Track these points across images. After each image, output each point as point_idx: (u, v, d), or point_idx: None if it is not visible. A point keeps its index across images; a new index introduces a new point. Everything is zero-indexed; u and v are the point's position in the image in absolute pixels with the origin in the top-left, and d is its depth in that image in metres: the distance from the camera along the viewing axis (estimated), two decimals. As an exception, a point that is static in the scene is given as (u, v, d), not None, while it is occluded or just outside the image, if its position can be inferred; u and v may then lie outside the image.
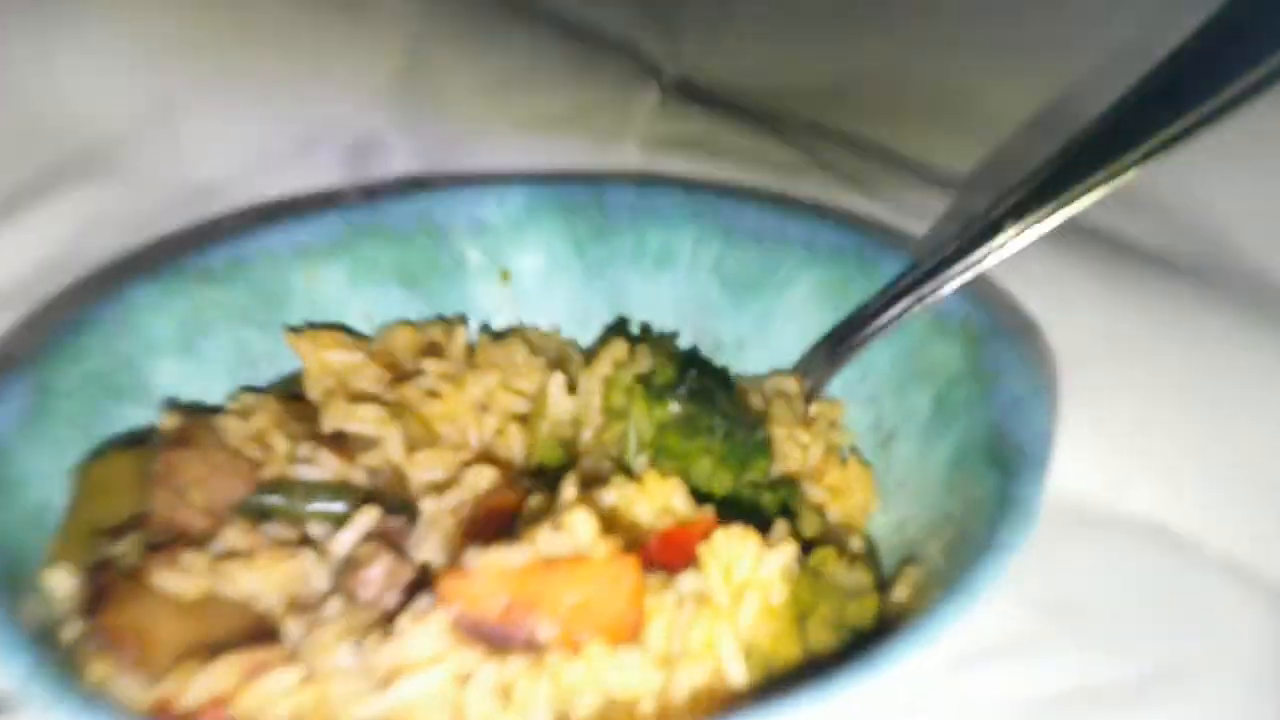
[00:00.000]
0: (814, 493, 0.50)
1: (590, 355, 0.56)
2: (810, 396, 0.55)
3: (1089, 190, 0.51)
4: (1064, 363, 0.61)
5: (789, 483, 0.49)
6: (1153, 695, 0.49)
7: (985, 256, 0.52)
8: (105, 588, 0.40)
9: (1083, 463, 0.56)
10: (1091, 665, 0.50)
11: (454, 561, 0.40)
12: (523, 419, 0.53)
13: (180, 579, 0.42)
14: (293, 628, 0.41)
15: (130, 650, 0.38)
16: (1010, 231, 0.52)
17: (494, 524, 0.42)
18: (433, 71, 0.79)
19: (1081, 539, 0.55)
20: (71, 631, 0.39)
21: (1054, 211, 0.51)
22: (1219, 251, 0.71)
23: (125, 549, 0.43)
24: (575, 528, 0.38)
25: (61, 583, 0.42)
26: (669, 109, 0.79)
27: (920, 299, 0.53)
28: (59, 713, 0.33)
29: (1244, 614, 0.53)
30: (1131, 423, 0.60)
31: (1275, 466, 0.59)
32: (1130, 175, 0.51)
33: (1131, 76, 0.52)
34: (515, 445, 0.53)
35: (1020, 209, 0.52)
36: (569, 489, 0.41)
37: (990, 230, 0.52)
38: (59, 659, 0.36)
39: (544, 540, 0.38)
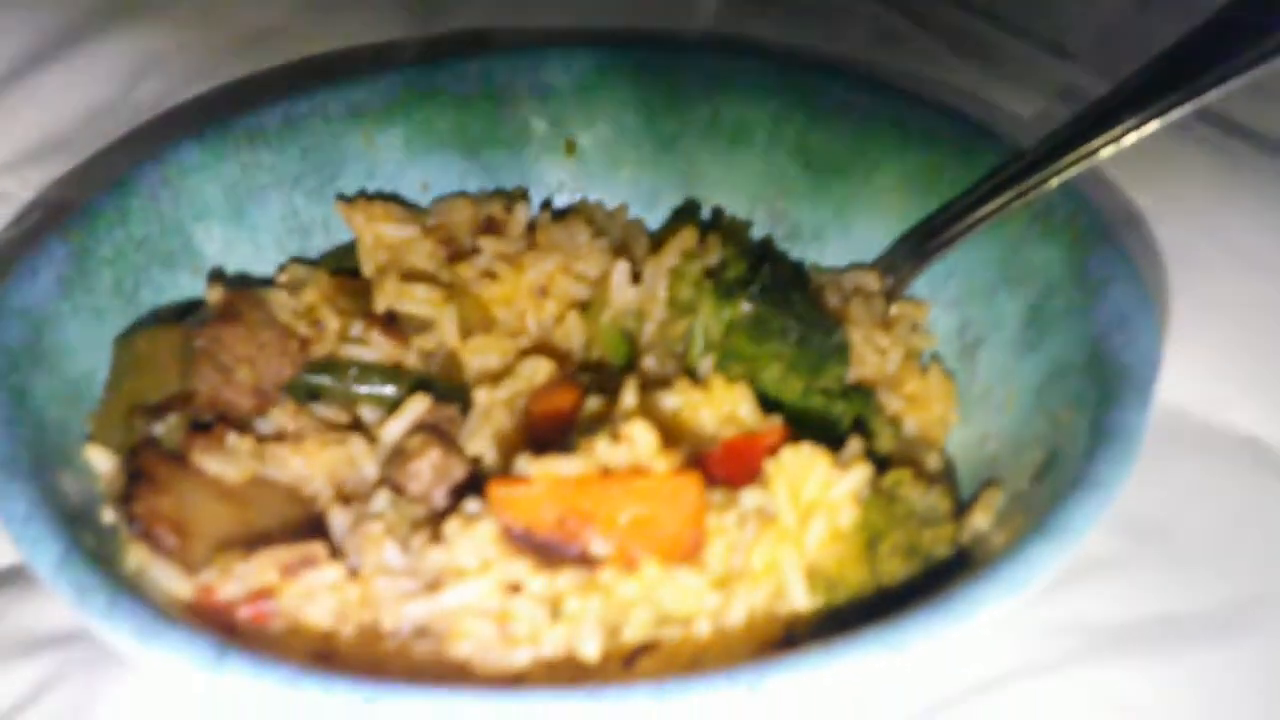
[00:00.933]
0: (891, 402, 0.47)
1: (657, 240, 0.52)
2: (892, 295, 0.52)
3: (1222, 80, 0.46)
4: (1170, 263, 0.57)
5: (864, 391, 0.46)
6: (1240, 624, 0.46)
7: (1100, 148, 0.47)
8: (144, 470, 0.38)
9: (1182, 373, 0.53)
10: (1179, 592, 0.47)
11: (506, 464, 0.38)
12: (583, 307, 0.51)
13: (224, 462, 0.40)
14: (338, 519, 0.39)
15: (168, 538, 0.37)
16: (1129, 121, 0.47)
17: (549, 426, 0.39)
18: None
19: (1176, 456, 0.52)
20: (109, 515, 0.38)
21: (1181, 102, 0.46)
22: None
23: (167, 428, 0.41)
24: (635, 438, 0.36)
25: (101, 462, 0.40)
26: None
27: (1021, 193, 0.48)
28: (88, 607, 0.31)
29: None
30: (1237, 334, 0.56)
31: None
32: (1265, 68, 0.45)
33: None
34: (574, 335, 0.50)
35: (1142, 95, 0.47)
36: (629, 395, 0.38)
37: (1107, 118, 0.47)
38: (94, 545, 0.35)
39: (601, 450, 0.36)
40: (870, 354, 0.48)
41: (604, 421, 0.37)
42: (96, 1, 0.72)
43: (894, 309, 0.51)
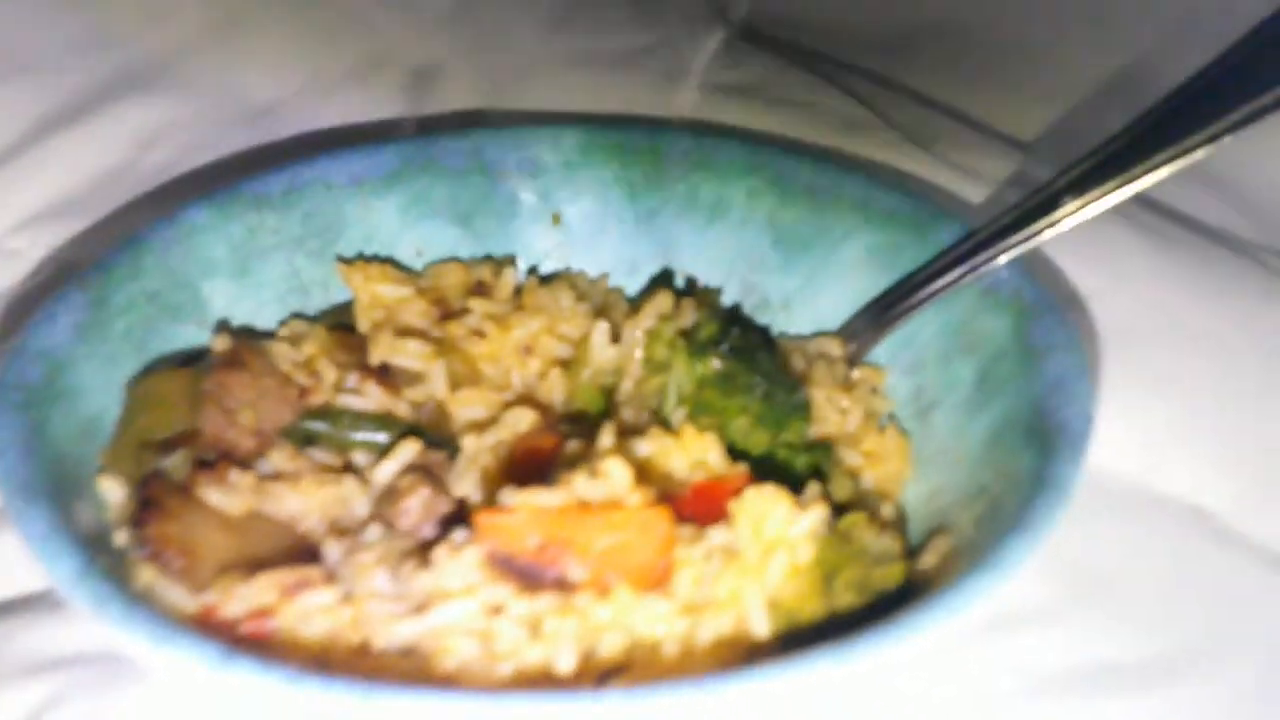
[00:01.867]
0: (849, 457, 0.50)
1: (635, 305, 0.56)
2: (853, 361, 0.55)
3: (1155, 168, 0.51)
4: (1111, 337, 0.61)
5: (825, 446, 0.49)
6: (1177, 675, 0.49)
7: (1043, 229, 0.52)
8: (154, 499, 0.41)
9: (1123, 441, 0.56)
10: (1116, 641, 0.50)
11: (491, 499, 0.41)
12: (565, 364, 0.54)
13: (226, 495, 0.43)
14: (332, 550, 0.42)
15: (175, 560, 0.39)
16: (1071, 205, 0.51)
17: (531, 466, 0.42)
18: (495, 2, 0.79)
19: (1115, 516, 0.55)
20: (120, 539, 0.41)
21: (1117, 188, 0.51)
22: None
23: (174, 463, 0.44)
24: (611, 474, 0.39)
25: (112, 491, 0.43)
26: (731, 53, 0.78)
27: (973, 269, 0.52)
28: (105, 615, 0.34)
29: (1275, 601, 0.53)
30: (1176, 404, 0.60)
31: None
32: (1199, 155, 0.50)
33: (1206, 50, 0.51)
34: (556, 390, 0.53)
35: (1083, 182, 0.52)
36: (606, 436, 0.42)
37: (1050, 203, 0.52)
38: (108, 564, 0.37)
39: (580, 485, 0.39)
40: (831, 413, 0.51)
41: (582, 460, 0.41)
42: (108, 73, 0.76)
43: (855, 373, 0.55)
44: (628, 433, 0.44)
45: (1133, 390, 0.59)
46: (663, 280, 0.59)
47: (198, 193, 0.56)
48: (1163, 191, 0.70)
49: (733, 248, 0.61)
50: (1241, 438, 0.59)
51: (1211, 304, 0.63)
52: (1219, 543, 0.55)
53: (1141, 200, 0.69)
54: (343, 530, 0.45)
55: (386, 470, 0.46)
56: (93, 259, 0.51)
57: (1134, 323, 0.62)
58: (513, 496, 0.39)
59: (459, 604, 0.38)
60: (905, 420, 0.53)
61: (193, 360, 0.51)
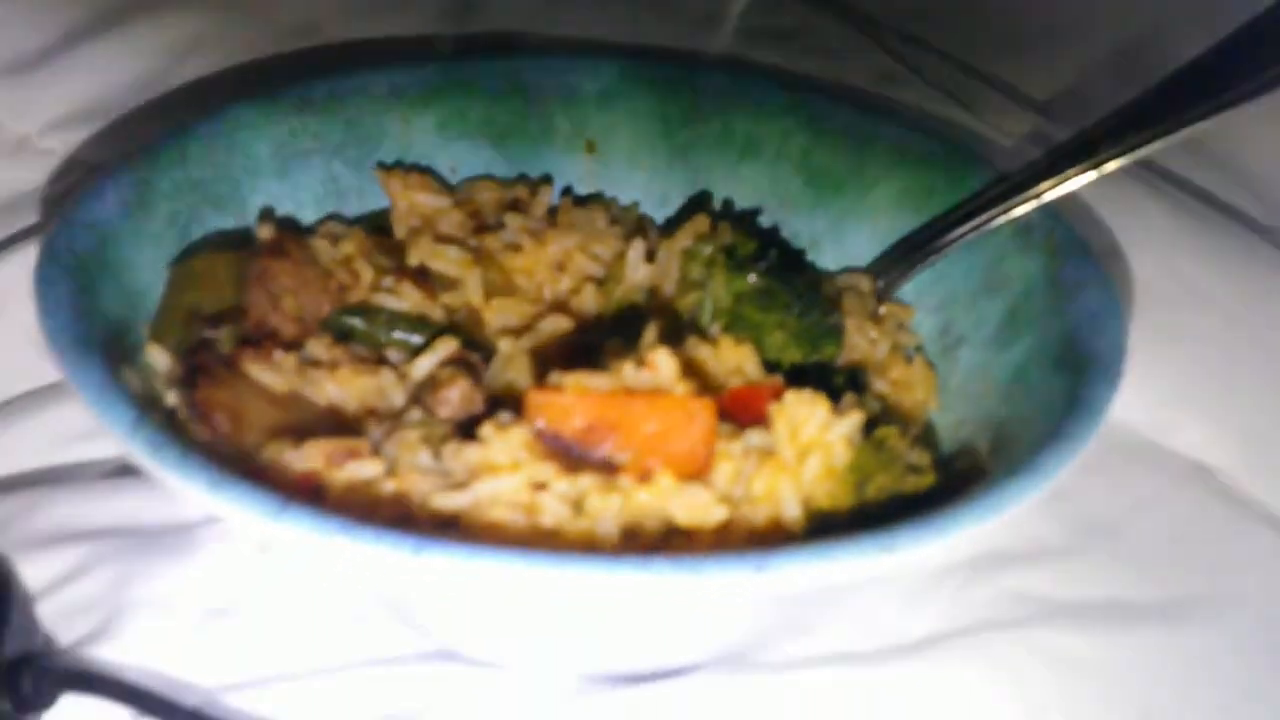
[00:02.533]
0: (877, 384, 0.51)
1: (669, 229, 0.57)
2: (881, 297, 0.56)
3: (1182, 126, 0.52)
4: (1131, 297, 0.62)
5: (855, 369, 0.50)
6: (1180, 618, 0.50)
7: (1074, 176, 0.52)
8: (201, 366, 0.42)
9: (1133, 396, 0.57)
10: (1121, 582, 0.51)
11: (539, 381, 0.42)
12: (599, 282, 0.55)
13: (270, 373, 0.44)
14: (375, 430, 0.43)
15: (224, 423, 0.40)
16: (1103, 153, 0.52)
17: (572, 359, 0.43)
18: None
19: (1124, 467, 0.57)
20: (170, 401, 0.41)
21: (1151, 139, 0.52)
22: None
23: (220, 336, 0.44)
24: (658, 365, 0.40)
25: (159, 360, 0.44)
26: (767, 1, 0.79)
27: (1005, 210, 0.53)
28: (161, 462, 0.34)
29: (1272, 561, 0.54)
30: (1187, 365, 0.61)
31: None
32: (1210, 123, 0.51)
33: (1207, 31, 0.52)
34: (589, 305, 0.54)
35: (1116, 133, 0.53)
36: (650, 333, 0.42)
37: (1082, 150, 0.53)
38: (160, 422, 0.38)
39: (627, 373, 0.40)
40: (860, 342, 0.52)
41: (627, 353, 0.41)
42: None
43: (882, 309, 0.56)
44: (667, 337, 0.45)
45: (1146, 348, 0.60)
46: (698, 202, 0.60)
47: (242, 92, 0.57)
48: (1181, 167, 0.71)
49: (764, 185, 0.61)
50: (1247, 401, 0.60)
51: (1223, 272, 0.65)
52: (1221, 501, 0.57)
53: (1161, 172, 0.71)
54: (382, 416, 0.45)
55: (426, 364, 0.47)
56: (141, 145, 0.51)
57: (1149, 283, 0.63)
58: (563, 378, 0.39)
59: (505, 479, 0.38)
60: (931, 355, 0.54)
61: (234, 244, 0.51)
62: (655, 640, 0.41)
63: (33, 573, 0.45)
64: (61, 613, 0.45)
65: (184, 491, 0.34)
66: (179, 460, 0.34)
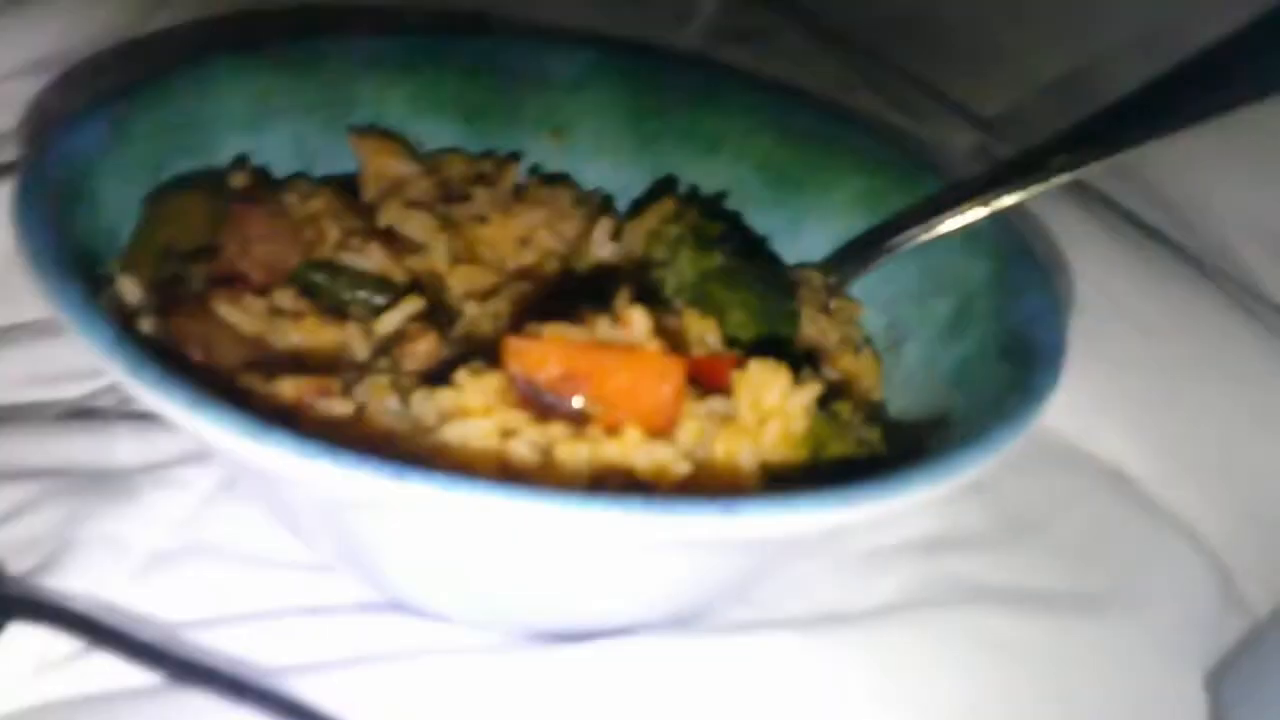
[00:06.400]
0: (827, 371, 0.53)
1: (632, 214, 0.58)
2: (832, 292, 0.58)
3: (1126, 147, 0.55)
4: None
5: (810, 352, 0.52)
6: (1097, 610, 0.53)
7: (1022, 186, 0.55)
8: (174, 298, 0.42)
9: (1062, 405, 0.60)
10: (1044, 573, 0.54)
11: (514, 331, 0.43)
12: (562, 259, 0.56)
13: (239, 314, 0.44)
14: (345, 377, 0.43)
15: (197, 353, 0.40)
16: (1050, 168, 0.55)
17: (545, 315, 0.44)
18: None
19: (1048, 469, 0.59)
20: (144, 328, 0.41)
21: (1095, 158, 0.55)
22: (1217, 251, 0.75)
23: (192, 274, 0.45)
24: (632, 322, 0.41)
25: (130, 291, 0.44)
26: (736, 3, 0.81)
27: (955, 215, 0.56)
28: (142, 379, 0.35)
29: (1183, 565, 0.57)
30: (1109, 376, 0.64)
31: (1237, 446, 0.63)
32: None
33: (1151, 63, 0.56)
34: (552, 280, 0.55)
35: (1063, 150, 0.56)
36: (625, 293, 0.44)
37: (1032, 164, 0.56)
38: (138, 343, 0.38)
39: (601, 328, 0.41)
40: (812, 331, 0.54)
41: (602, 311, 0.43)
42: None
43: (832, 304, 0.58)
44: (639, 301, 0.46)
45: (1074, 358, 0.64)
46: (666, 187, 0.61)
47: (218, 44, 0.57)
48: (1116, 192, 0.75)
49: (725, 181, 0.63)
50: (1165, 414, 0.64)
51: (1148, 289, 0.68)
52: (1137, 506, 0.60)
53: (1098, 195, 0.74)
54: (344, 369, 0.46)
55: (393, 319, 0.48)
56: (119, 85, 0.51)
57: (1081, 296, 0.67)
58: (541, 327, 0.40)
59: (476, 423, 0.39)
60: (878, 349, 0.56)
61: (207, 187, 0.51)
62: (605, 598, 0.43)
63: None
64: (9, 547, 0.45)
65: (162, 410, 0.35)
66: (159, 378, 0.35)
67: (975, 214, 0.56)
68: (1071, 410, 0.61)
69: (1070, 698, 0.49)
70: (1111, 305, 0.67)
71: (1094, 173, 0.55)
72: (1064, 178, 0.55)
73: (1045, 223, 0.68)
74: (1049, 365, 0.44)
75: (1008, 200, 0.56)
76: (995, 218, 0.56)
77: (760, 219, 0.62)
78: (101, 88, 0.50)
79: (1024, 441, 0.43)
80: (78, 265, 0.40)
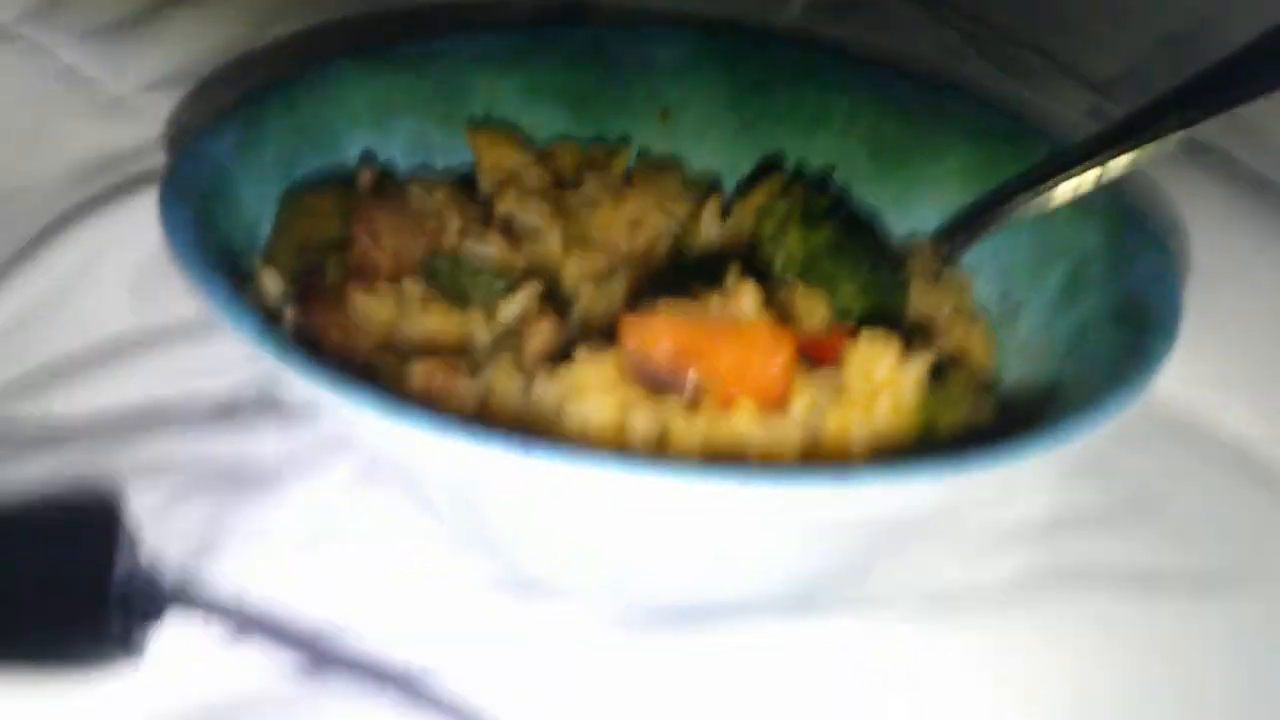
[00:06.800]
0: (940, 344, 0.53)
1: (742, 190, 0.59)
2: (943, 263, 0.58)
3: (1243, 100, 0.53)
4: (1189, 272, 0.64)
5: (920, 325, 0.52)
6: (1217, 591, 0.52)
7: (1134, 148, 0.54)
8: (312, 289, 0.45)
9: (1183, 374, 0.59)
10: (1162, 553, 0.53)
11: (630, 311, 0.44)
12: (674, 239, 0.57)
13: (373, 303, 0.47)
14: (471, 360, 0.46)
15: (336, 341, 0.43)
16: (1162, 126, 0.54)
17: (657, 295, 0.45)
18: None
19: (1165, 443, 0.58)
20: (286, 319, 0.44)
21: (1212, 112, 0.53)
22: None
23: (330, 265, 0.48)
24: (742, 298, 0.42)
25: (272, 283, 0.47)
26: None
27: (1066, 180, 0.55)
28: (290, 365, 0.37)
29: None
30: (1233, 342, 0.63)
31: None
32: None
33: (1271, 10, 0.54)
34: (664, 262, 0.56)
35: (1175, 106, 0.54)
36: (735, 269, 0.45)
37: (1142, 124, 0.55)
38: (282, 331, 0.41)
39: (713, 305, 0.42)
40: (923, 304, 0.55)
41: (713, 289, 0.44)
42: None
43: (943, 276, 0.58)
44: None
45: (1190, 325, 0.62)
46: (773, 165, 0.62)
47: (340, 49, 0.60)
48: (1239, 151, 0.73)
49: (831, 156, 0.63)
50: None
51: (1270, 249, 0.66)
52: (1260, 486, 0.58)
53: (1209, 150, 0.72)
54: (470, 353, 0.48)
55: (515, 304, 0.50)
56: (252, 92, 0.54)
57: (1204, 263, 0.65)
58: (655, 304, 0.42)
59: (594, 401, 0.41)
60: (992, 320, 0.56)
61: (336, 183, 0.54)
62: (726, 573, 0.44)
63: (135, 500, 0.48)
64: (162, 538, 0.48)
65: (307, 393, 0.37)
66: (306, 363, 0.37)
67: (1087, 178, 0.55)
68: (1191, 381, 0.60)
69: (1195, 681, 0.48)
70: (1231, 266, 0.65)
71: (1208, 129, 0.54)
72: (1177, 136, 0.54)
73: (1159, 182, 0.67)
74: (1164, 329, 0.44)
75: (1120, 162, 0.55)
76: (1109, 181, 0.55)
77: (868, 193, 0.63)
78: (234, 96, 0.53)
79: (1141, 416, 0.43)
80: (222, 261, 0.43)
